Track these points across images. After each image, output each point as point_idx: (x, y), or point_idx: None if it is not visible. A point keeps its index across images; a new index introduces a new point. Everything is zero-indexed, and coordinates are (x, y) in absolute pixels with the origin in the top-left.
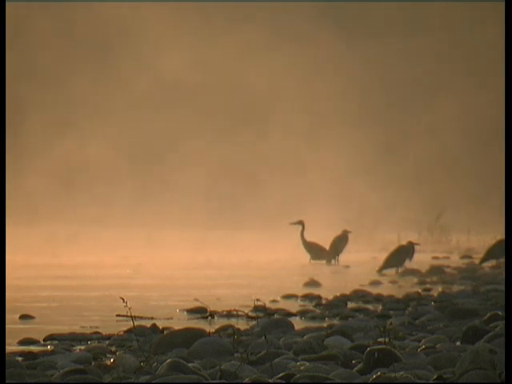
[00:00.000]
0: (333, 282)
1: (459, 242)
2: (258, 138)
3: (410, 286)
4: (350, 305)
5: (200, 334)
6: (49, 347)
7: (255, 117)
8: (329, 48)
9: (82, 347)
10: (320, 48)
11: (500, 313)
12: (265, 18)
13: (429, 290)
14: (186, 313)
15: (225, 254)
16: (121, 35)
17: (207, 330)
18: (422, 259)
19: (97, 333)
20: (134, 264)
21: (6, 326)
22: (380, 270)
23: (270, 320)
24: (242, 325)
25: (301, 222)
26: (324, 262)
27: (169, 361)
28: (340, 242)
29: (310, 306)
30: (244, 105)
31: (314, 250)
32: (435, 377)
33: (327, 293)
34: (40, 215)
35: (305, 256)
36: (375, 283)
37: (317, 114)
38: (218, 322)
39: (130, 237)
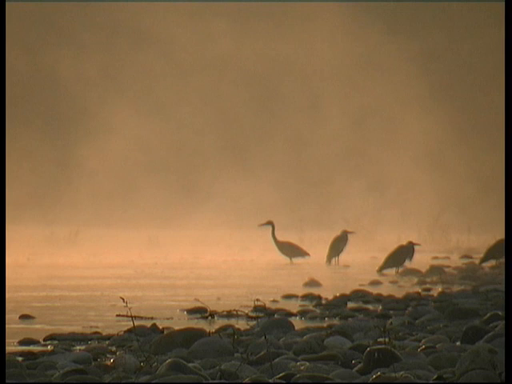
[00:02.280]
0: (333, 282)
1: (459, 241)
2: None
3: (410, 286)
4: (350, 305)
5: (200, 333)
6: (49, 347)
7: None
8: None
9: (82, 347)
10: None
11: (500, 313)
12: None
13: (429, 289)
14: (186, 313)
15: (224, 254)
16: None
17: (207, 330)
18: (422, 259)
19: (97, 333)
20: (135, 264)
21: (6, 326)
22: (380, 270)
23: (270, 320)
24: (242, 325)
25: (270, 223)
26: (305, 258)
27: (169, 361)
28: (340, 242)
29: (310, 305)
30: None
31: (287, 249)
32: (435, 377)
33: (327, 293)
34: (41, 214)
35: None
36: (375, 283)
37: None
38: (218, 322)
39: (130, 237)
